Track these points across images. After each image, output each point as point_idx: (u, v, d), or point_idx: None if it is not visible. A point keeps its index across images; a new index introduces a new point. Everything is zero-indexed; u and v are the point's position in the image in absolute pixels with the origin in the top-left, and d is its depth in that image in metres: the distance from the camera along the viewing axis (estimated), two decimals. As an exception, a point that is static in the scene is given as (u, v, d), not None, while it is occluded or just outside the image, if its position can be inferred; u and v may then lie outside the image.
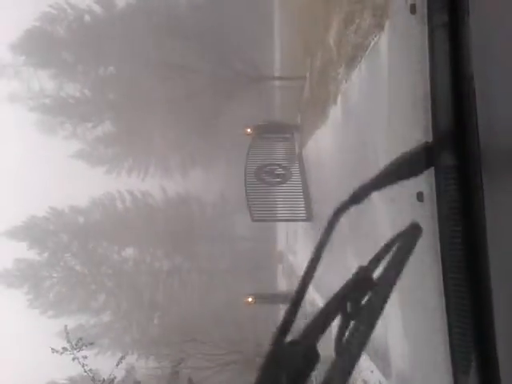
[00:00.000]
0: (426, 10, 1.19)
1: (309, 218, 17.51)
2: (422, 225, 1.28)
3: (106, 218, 42.16)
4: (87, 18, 37.52)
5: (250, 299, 20.50)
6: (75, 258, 41.45)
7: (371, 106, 8.64)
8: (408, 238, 0.98)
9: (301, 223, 21.04)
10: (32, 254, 42.22)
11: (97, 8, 37.28)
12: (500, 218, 1.05)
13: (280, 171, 18.44)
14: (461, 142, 1.08)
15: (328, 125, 14.42)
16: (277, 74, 33.05)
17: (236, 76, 29.18)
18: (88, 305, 41.06)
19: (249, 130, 19.20)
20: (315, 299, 15.10)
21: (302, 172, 18.63)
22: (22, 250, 42.13)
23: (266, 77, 31.08)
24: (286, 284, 32.18)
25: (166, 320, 39.84)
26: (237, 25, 31.97)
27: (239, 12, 32.11)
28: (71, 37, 37.55)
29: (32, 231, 42.08)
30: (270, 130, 20.38)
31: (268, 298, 22.57)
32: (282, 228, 34.17)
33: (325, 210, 15.18)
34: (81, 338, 13.92)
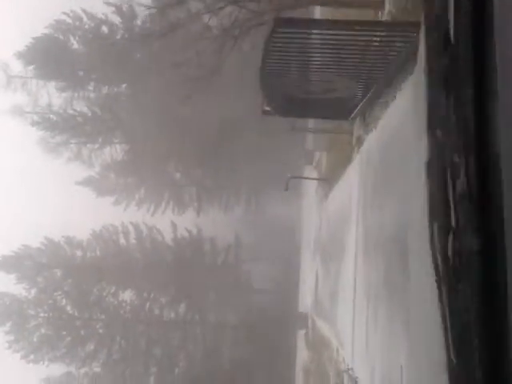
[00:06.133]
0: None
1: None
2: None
3: (106, 255, 40.78)
4: (104, 29, 37.02)
5: None
6: (66, 297, 40.21)
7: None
8: None
9: (344, 285, 17.55)
10: (19, 289, 41.02)
11: (115, 18, 36.81)
12: None
13: None
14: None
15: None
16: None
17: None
18: (74, 352, 39.31)
19: (268, 108, 14.30)
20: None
21: None
22: (9, 283, 41.01)
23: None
24: (307, 356, 28.35)
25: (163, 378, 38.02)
26: None
27: None
28: (85, 48, 37.06)
29: (23, 263, 41.34)
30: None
31: None
32: (307, 284, 31.60)
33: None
34: None
